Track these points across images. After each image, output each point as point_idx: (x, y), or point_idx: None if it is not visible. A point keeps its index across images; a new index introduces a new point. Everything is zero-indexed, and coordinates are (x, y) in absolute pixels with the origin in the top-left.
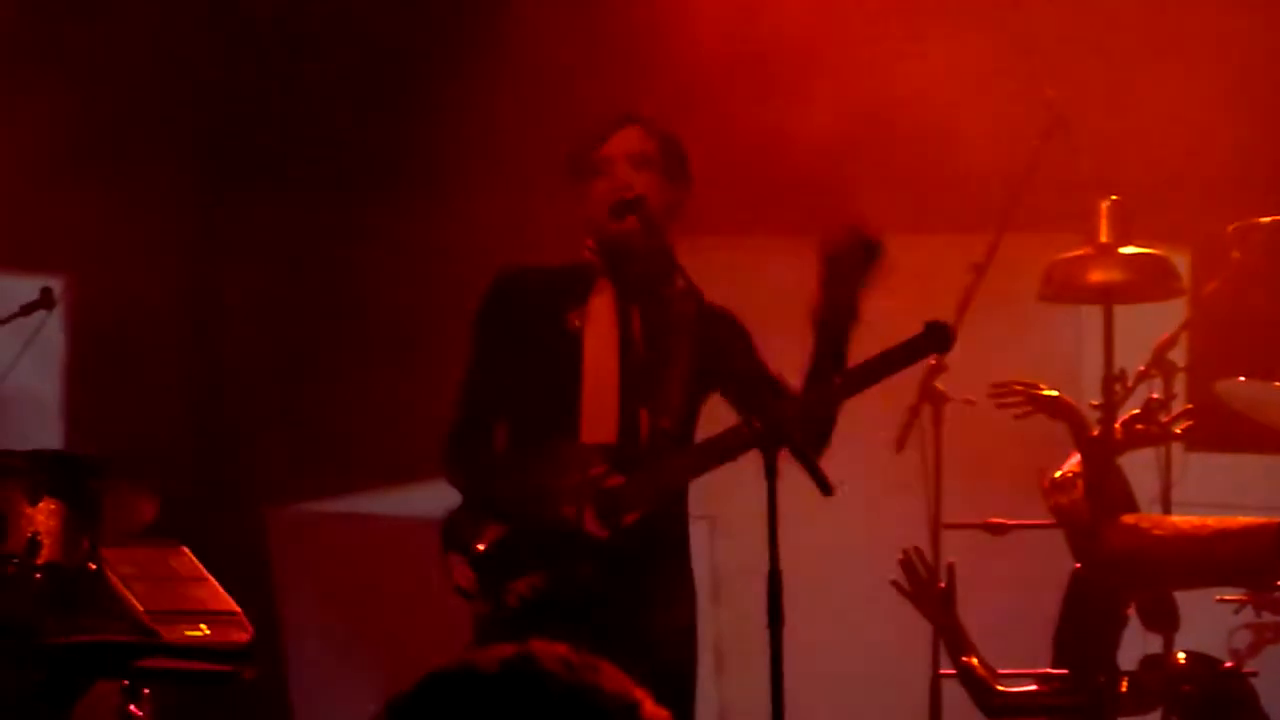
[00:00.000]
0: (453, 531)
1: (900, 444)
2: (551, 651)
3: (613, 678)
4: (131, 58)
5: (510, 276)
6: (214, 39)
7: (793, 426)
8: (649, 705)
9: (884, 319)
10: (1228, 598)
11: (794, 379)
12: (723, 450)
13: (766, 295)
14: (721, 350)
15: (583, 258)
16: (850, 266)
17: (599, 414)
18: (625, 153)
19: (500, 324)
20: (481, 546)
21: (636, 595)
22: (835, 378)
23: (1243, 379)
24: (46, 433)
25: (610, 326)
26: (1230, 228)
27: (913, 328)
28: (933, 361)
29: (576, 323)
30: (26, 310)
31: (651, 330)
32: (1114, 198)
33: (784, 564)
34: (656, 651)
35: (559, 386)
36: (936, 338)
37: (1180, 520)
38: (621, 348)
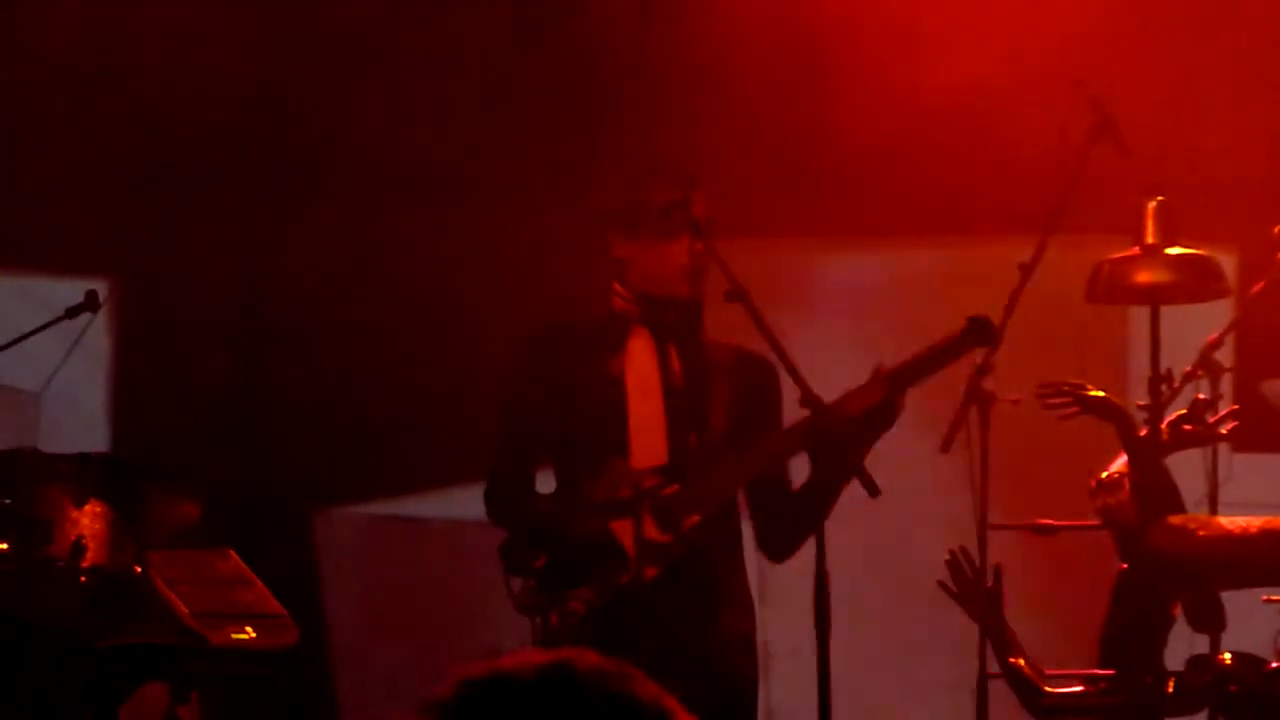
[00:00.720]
0: (511, 552)
1: (947, 445)
2: (587, 659)
3: (646, 686)
4: (178, 59)
5: (540, 336)
6: (260, 43)
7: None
8: (682, 715)
9: (931, 320)
10: (1275, 598)
11: (837, 375)
12: (775, 453)
13: (809, 296)
14: (759, 397)
15: (614, 307)
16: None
17: (648, 442)
18: (705, 217)
19: (538, 377)
20: (541, 563)
21: (696, 604)
22: (879, 375)
23: None
24: (92, 436)
25: (651, 365)
26: (1277, 229)
27: (955, 328)
28: (978, 361)
29: (616, 369)
30: (72, 313)
31: (691, 370)
32: (1161, 199)
33: (830, 565)
34: (717, 660)
35: (605, 426)
36: (980, 333)
37: (1226, 521)
38: (664, 383)
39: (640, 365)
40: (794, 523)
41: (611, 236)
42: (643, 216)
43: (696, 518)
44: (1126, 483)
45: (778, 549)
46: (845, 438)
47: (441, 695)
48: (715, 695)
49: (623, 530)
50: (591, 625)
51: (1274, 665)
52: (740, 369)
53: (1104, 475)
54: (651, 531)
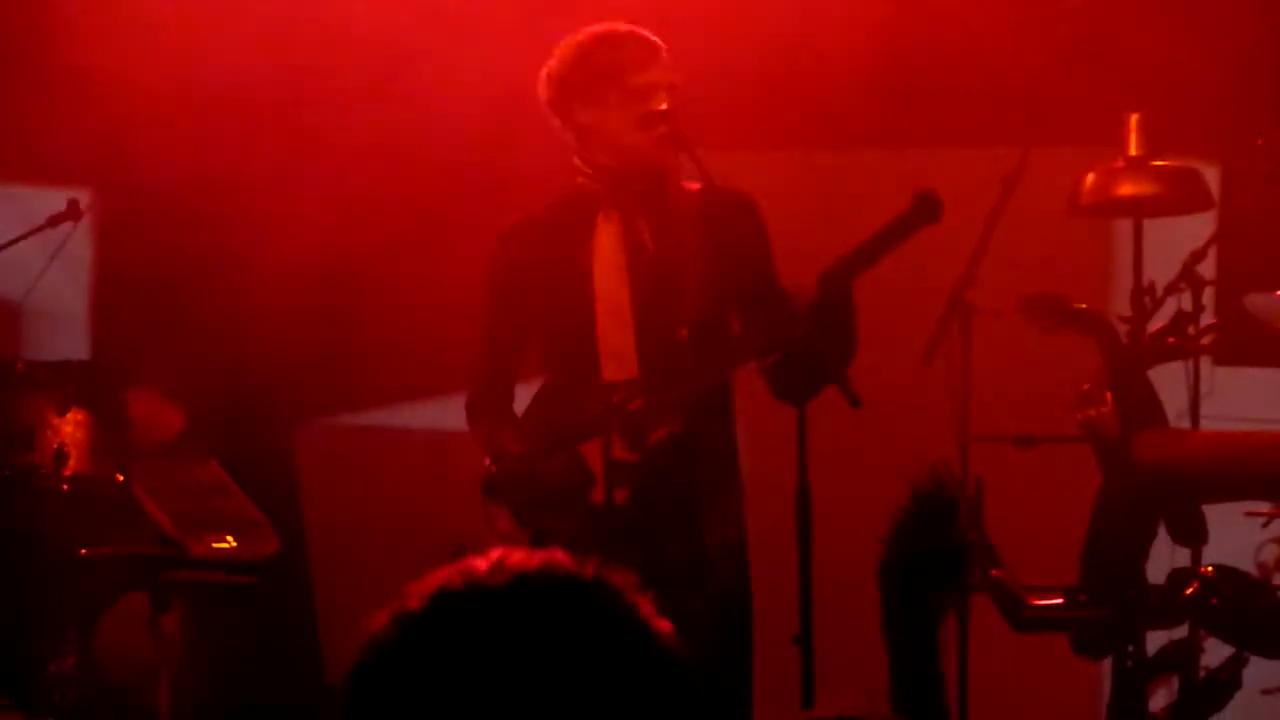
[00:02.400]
0: (491, 483)
1: (928, 357)
2: (563, 569)
3: (623, 598)
4: None
5: (510, 233)
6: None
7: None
8: (662, 627)
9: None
10: (1256, 511)
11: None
12: (737, 353)
13: (786, 209)
14: (734, 238)
15: (577, 185)
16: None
17: (617, 350)
18: (668, 83)
19: (508, 281)
20: (520, 494)
21: (678, 516)
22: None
23: (1276, 294)
24: (74, 345)
25: (619, 254)
26: (1260, 140)
27: (940, 241)
28: (961, 272)
29: (584, 261)
30: (54, 221)
31: (662, 242)
32: (1143, 111)
33: (812, 478)
34: (709, 570)
35: (574, 331)
36: (926, 209)
37: (1209, 434)
38: (632, 275)
39: (609, 256)
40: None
41: (574, 105)
42: (609, 84)
43: (662, 432)
44: (1108, 395)
45: (794, 399)
46: (805, 333)
47: (413, 606)
48: (704, 608)
49: (593, 452)
50: (574, 549)
51: (1255, 578)
52: (715, 213)
53: (1086, 388)
54: (620, 450)
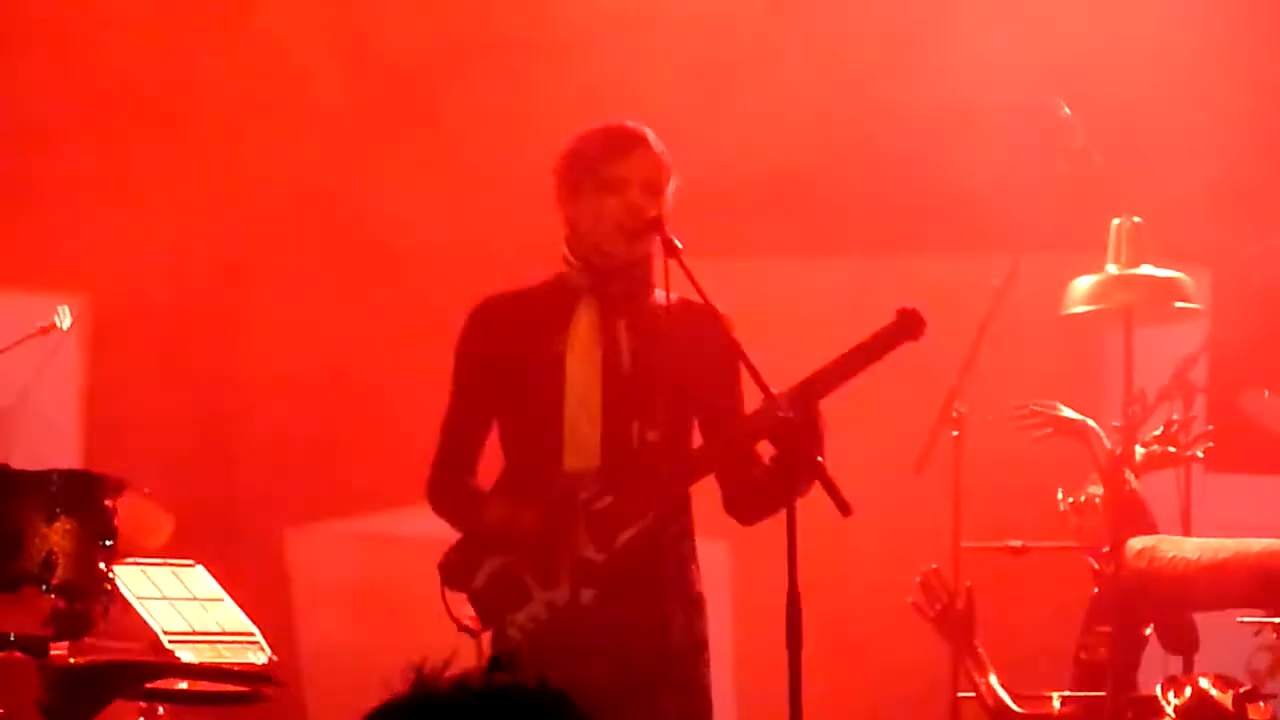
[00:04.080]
0: (451, 569)
1: (920, 465)
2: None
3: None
4: (152, 73)
5: (488, 308)
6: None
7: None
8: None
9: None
10: (1248, 619)
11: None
12: (713, 456)
13: (775, 316)
14: (703, 358)
15: (561, 274)
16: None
17: (582, 439)
18: (642, 177)
19: (481, 357)
20: (479, 583)
21: (641, 615)
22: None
23: (1271, 393)
24: (63, 452)
25: (593, 346)
26: (1252, 249)
27: (932, 349)
28: (952, 383)
29: (559, 348)
30: (45, 330)
31: (638, 343)
32: (1134, 218)
33: (803, 584)
34: (669, 670)
35: (540, 415)
36: (908, 325)
37: (1200, 542)
38: (606, 367)
39: (584, 346)
40: (759, 502)
41: (560, 196)
42: (584, 174)
43: (631, 532)
44: (1100, 504)
45: (745, 518)
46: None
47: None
48: (672, 708)
49: (558, 547)
50: (533, 643)
51: (1247, 686)
52: (689, 328)
53: (1075, 497)
54: (587, 549)
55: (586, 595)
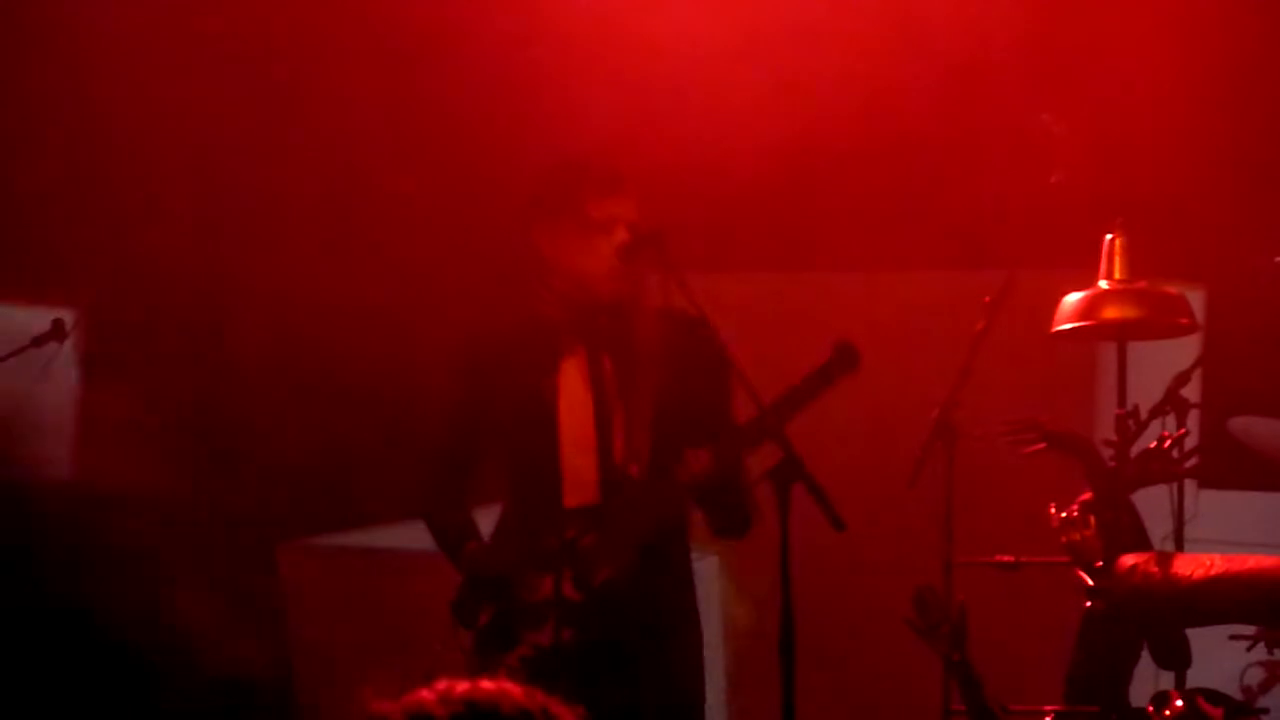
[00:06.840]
0: (460, 609)
1: (912, 481)
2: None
3: None
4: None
5: (469, 348)
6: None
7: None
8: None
9: (897, 355)
10: (1240, 635)
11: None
12: (676, 502)
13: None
14: (691, 373)
15: (538, 311)
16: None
17: (580, 478)
18: (629, 218)
19: (467, 399)
20: (482, 622)
21: (619, 664)
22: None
23: (1261, 419)
24: (57, 464)
25: (583, 391)
26: (1247, 265)
27: (924, 364)
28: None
29: (549, 393)
30: (38, 342)
31: (624, 374)
32: (1128, 234)
33: (795, 599)
34: (668, 689)
35: (537, 460)
36: (845, 359)
37: (1192, 558)
38: (596, 408)
39: (573, 391)
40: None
41: (535, 232)
42: (568, 214)
43: (607, 573)
44: (1092, 519)
45: (729, 535)
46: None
47: None
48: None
49: (545, 587)
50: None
51: (1238, 701)
52: (674, 343)
53: (1070, 512)
54: (569, 589)
55: (565, 637)
